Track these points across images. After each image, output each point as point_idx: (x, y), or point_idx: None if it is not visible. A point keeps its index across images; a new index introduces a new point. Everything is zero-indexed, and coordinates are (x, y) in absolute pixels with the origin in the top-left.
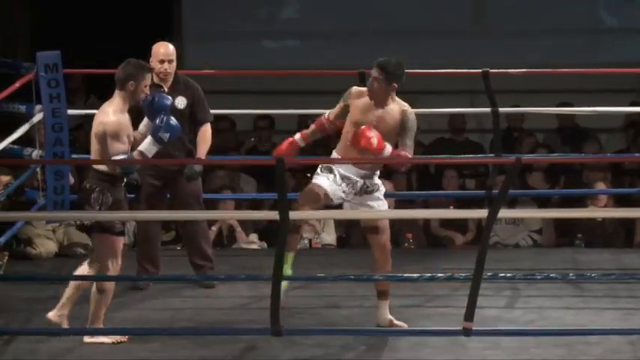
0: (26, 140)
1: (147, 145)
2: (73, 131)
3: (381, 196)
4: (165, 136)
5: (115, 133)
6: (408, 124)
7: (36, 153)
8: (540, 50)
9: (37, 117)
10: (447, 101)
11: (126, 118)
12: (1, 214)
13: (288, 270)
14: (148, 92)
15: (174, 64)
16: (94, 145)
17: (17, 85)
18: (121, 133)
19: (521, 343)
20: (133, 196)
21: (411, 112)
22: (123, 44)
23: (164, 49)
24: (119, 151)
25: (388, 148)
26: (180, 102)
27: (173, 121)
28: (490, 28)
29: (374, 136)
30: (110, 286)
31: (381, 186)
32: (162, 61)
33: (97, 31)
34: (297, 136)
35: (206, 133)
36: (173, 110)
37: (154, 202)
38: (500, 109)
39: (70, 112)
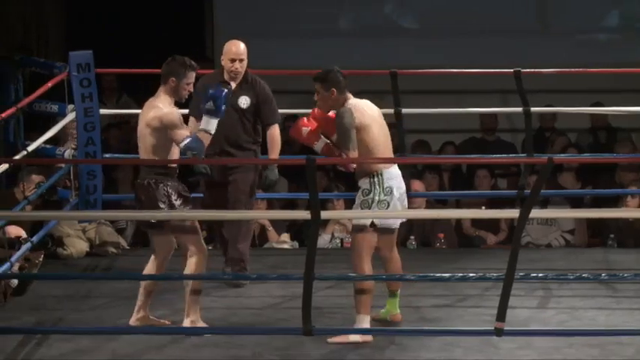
0: (58, 139)
1: (204, 124)
2: (104, 131)
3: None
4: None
5: (174, 122)
6: (337, 122)
7: (68, 152)
8: (571, 50)
9: (70, 116)
10: (478, 101)
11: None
12: (34, 214)
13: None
14: (192, 90)
15: (245, 62)
16: (148, 141)
17: (50, 84)
18: (179, 121)
19: (553, 343)
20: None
21: (343, 110)
22: (155, 43)
23: (235, 48)
24: (184, 136)
25: (319, 143)
26: (244, 101)
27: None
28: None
29: (306, 126)
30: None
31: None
32: (232, 60)
33: (130, 31)
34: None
35: (274, 135)
36: (237, 109)
37: (215, 198)
38: (533, 109)
39: (102, 111)
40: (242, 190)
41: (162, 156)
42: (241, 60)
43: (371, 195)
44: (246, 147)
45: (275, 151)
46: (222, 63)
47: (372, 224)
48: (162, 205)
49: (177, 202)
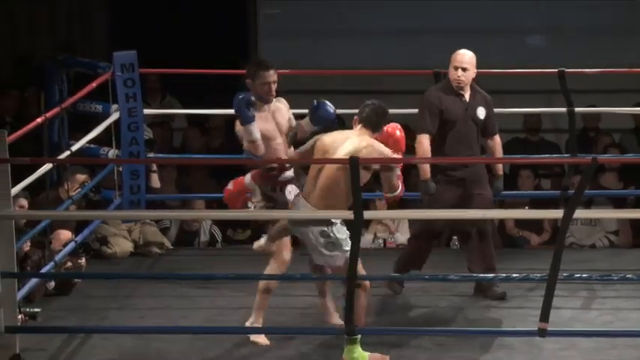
0: (103, 139)
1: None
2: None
3: None
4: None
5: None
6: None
7: (112, 152)
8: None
9: (114, 116)
10: (522, 101)
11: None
12: (78, 213)
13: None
14: (270, 90)
15: (470, 72)
16: None
17: (94, 84)
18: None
19: (597, 344)
20: None
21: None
22: (199, 44)
23: (459, 57)
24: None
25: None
26: (481, 112)
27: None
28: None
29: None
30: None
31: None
32: (456, 68)
33: (173, 31)
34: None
35: (499, 145)
36: (475, 121)
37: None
38: (576, 109)
39: (146, 111)
40: (489, 205)
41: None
42: (464, 69)
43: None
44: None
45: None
46: (449, 71)
47: None
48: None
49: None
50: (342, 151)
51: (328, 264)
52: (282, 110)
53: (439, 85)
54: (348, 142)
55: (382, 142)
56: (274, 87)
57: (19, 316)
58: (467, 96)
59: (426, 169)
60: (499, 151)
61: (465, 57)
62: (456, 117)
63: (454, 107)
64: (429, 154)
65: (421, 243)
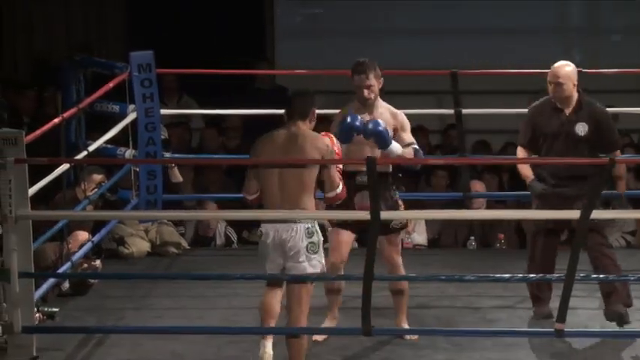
0: (120, 139)
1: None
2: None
3: None
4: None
5: None
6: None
7: (129, 152)
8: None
9: (131, 116)
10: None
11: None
12: (95, 213)
13: None
14: (362, 92)
15: (566, 87)
16: None
17: (111, 85)
18: None
19: (614, 344)
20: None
21: None
22: (215, 44)
23: (553, 71)
24: None
25: None
26: (581, 129)
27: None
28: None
29: None
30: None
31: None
32: (550, 83)
33: (190, 31)
34: None
35: (621, 168)
36: (574, 138)
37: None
38: None
39: (163, 111)
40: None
41: None
42: (559, 84)
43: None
44: (581, 177)
45: (622, 182)
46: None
47: None
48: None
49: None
50: (311, 150)
51: (304, 271)
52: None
53: (543, 98)
54: (307, 140)
55: None
56: (367, 92)
57: (37, 315)
58: (568, 111)
59: (525, 172)
60: (619, 173)
61: (559, 71)
62: (551, 132)
63: (550, 122)
64: (521, 166)
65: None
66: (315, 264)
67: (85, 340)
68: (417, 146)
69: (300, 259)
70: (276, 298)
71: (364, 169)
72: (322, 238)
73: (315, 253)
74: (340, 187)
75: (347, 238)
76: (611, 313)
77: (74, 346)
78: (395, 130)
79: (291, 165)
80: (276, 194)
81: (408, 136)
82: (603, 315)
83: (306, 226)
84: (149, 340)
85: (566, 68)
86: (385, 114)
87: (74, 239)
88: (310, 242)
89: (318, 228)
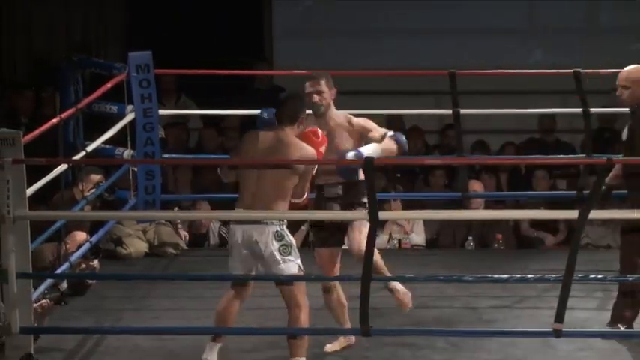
0: (118, 140)
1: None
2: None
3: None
4: None
5: None
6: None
7: (127, 153)
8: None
9: (129, 117)
10: (537, 101)
11: None
12: (93, 214)
13: None
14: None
15: (631, 90)
16: None
17: (109, 85)
18: None
19: (612, 345)
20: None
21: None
22: (214, 44)
23: (621, 74)
24: None
25: None
26: (624, 133)
27: None
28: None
29: None
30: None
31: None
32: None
33: (188, 31)
34: None
35: None
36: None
37: None
38: (592, 110)
39: (162, 112)
40: None
41: None
42: (623, 86)
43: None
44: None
45: None
46: None
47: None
48: None
49: None
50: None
51: (281, 272)
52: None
53: None
54: (291, 149)
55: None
56: (317, 97)
57: (45, 302)
58: None
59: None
60: None
61: (622, 74)
62: (626, 136)
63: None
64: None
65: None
66: (290, 265)
67: (83, 340)
68: (391, 132)
69: (275, 262)
70: (235, 307)
71: (333, 180)
72: (294, 240)
73: (289, 254)
74: (305, 195)
75: (330, 257)
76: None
77: (72, 347)
78: (360, 135)
79: (279, 167)
80: (251, 195)
81: (378, 131)
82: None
83: (275, 229)
84: (147, 341)
85: (628, 70)
86: (342, 123)
87: (72, 239)
88: (282, 245)
89: (287, 231)
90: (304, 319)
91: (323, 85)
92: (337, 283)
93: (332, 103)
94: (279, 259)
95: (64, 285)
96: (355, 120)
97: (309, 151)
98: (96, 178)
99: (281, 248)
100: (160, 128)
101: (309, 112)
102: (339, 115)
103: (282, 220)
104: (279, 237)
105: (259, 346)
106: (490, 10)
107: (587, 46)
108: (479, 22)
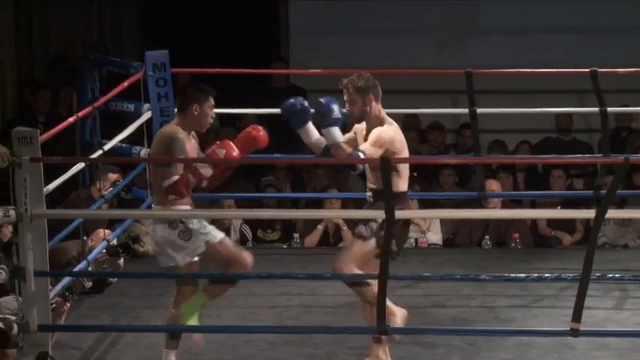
0: (135, 139)
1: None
2: None
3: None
4: None
5: None
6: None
7: (144, 151)
8: None
9: (146, 115)
10: (554, 100)
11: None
12: (109, 212)
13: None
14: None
15: None
16: None
17: (126, 84)
18: None
19: (630, 344)
20: None
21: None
22: (230, 43)
23: None
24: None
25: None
26: None
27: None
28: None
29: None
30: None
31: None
32: None
33: (204, 30)
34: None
35: None
36: None
37: None
38: (609, 109)
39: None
40: None
41: None
42: None
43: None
44: None
45: None
46: None
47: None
48: None
49: None
50: (154, 147)
51: (191, 256)
52: None
53: None
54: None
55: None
56: (347, 107)
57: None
58: None
59: None
60: None
61: None
62: None
63: None
64: None
65: None
66: (199, 244)
67: (101, 338)
68: (361, 153)
69: (179, 245)
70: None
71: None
72: (199, 224)
73: (190, 238)
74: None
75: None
76: None
77: (90, 344)
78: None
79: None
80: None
81: (365, 144)
82: None
83: (166, 224)
84: (164, 338)
85: None
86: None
87: (96, 237)
88: (181, 231)
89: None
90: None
91: (348, 94)
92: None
93: (368, 109)
94: (183, 243)
95: (89, 283)
96: (375, 130)
97: (170, 139)
98: (114, 176)
99: (180, 234)
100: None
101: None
102: (373, 123)
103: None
104: (173, 227)
105: (276, 342)
106: (510, 11)
107: (605, 44)
108: (499, 22)
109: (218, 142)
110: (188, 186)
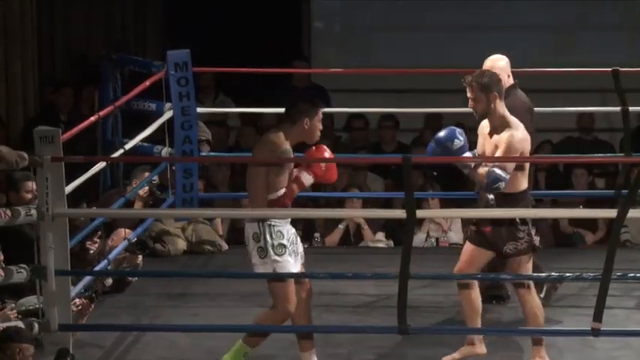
0: (156, 138)
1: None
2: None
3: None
4: None
5: None
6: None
7: (165, 151)
8: None
9: (167, 115)
10: (575, 100)
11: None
12: (130, 211)
13: None
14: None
15: None
16: None
17: (148, 83)
18: None
19: None
20: None
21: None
22: (252, 42)
23: None
24: None
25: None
26: None
27: None
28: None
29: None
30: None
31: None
32: None
33: (227, 30)
34: None
35: None
36: None
37: None
38: (631, 108)
39: (199, 110)
40: None
41: None
42: None
43: (262, 242)
44: None
45: None
46: None
47: None
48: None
49: None
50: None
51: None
52: None
53: None
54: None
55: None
56: (470, 104)
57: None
58: None
59: None
60: None
61: None
62: None
63: None
64: None
65: None
66: (267, 268)
67: (121, 337)
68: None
69: (254, 265)
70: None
71: None
72: (279, 241)
73: (265, 257)
74: (282, 192)
75: (470, 253)
76: None
77: (110, 343)
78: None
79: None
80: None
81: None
82: None
83: (254, 230)
84: (185, 338)
85: None
86: (493, 130)
87: (117, 236)
88: (258, 247)
89: (269, 232)
90: (274, 321)
91: (472, 92)
92: (475, 284)
93: (493, 107)
94: (255, 262)
95: (110, 281)
96: (503, 133)
97: (278, 148)
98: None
99: (258, 250)
100: (205, 129)
101: None
102: (497, 121)
103: (265, 220)
104: (256, 238)
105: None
106: (525, 9)
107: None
108: (514, 21)
109: (314, 148)
110: (292, 197)
